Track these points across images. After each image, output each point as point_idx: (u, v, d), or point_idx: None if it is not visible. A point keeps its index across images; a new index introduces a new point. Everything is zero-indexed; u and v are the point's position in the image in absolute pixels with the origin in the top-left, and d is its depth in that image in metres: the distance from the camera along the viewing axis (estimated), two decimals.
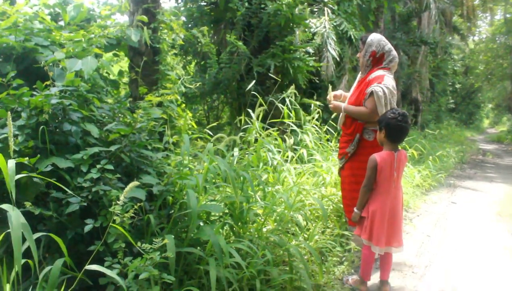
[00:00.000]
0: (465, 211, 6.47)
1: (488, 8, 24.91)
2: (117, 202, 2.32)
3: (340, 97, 4.17)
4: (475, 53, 31.25)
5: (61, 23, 4.87)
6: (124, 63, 6.36)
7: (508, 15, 25.59)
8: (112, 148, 2.84)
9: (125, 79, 6.13)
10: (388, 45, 3.76)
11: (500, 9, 28.13)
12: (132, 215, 2.44)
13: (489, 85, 31.35)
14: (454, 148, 13.65)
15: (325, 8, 8.56)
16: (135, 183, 2.31)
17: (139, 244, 2.41)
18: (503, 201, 7.26)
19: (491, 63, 29.52)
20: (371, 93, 3.53)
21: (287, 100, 5.46)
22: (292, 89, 5.41)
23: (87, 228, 2.48)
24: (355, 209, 3.38)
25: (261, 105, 4.79)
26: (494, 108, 38.04)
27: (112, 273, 2.12)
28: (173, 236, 2.59)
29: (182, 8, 9.02)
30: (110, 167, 2.71)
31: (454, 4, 19.55)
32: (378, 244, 3.24)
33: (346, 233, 4.20)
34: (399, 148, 3.34)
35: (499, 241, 4.94)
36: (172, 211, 3.10)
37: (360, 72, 3.91)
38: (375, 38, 3.75)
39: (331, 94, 4.10)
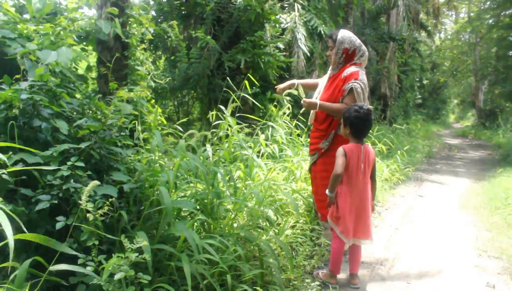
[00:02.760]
0: (431, 203, 6.65)
1: (452, 6, 25.50)
2: (87, 198, 2.29)
3: (294, 86, 4.17)
4: (441, 50, 31.98)
5: (26, 16, 4.74)
6: (91, 58, 6.24)
7: (472, 14, 26.27)
8: (82, 145, 2.80)
9: (93, 74, 6.02)
10: (358, 41, 3.80)
11: (464, 8, 28.88)
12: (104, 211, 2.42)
13: (455, 81, 32.19)
14: (421, 143, 13.97)
15: (295, 4, 8.60)
16: (95, 182, 2.29)
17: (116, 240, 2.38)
18: (467, 193, 7.49)
19: (456, 60, 30.32)
20: (351, 90, 3.57)
21: None
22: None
23: (58, 225, 2.44)
24: (327, 191, 3.37)
25: (233, 101, 4.79)
26: (460, 104, 39.10)
27: (84, 270, 2.10)
28: (145, 234, 2.58)
29: (151, 2, 8.92)
30: (81, 164, 2.67)
31: (420, 2, 19.93)
32: (344, 234, 3.32)
33: (316, 227, 4.25)
34: (367, 142, 3.41)
35: (462, 232, 5.11)
36: (142, 208, 3.08)
37: (331, 69, 3.92)
38: (346, 35, 3.77)
39: (281, 86, 4.16)
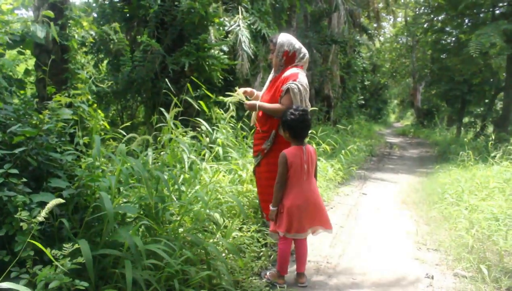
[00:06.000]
0: (374, 201, 6.87)
1: (391, 10, 26.50)
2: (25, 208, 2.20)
3: (253, 95, 4.25)
4: (381, 52, 33.17)
5: None
6: (31, 62, 6.01)
7: (408, 18, 27.43)
8: (17, 151, 2.68)
9: (32, 78, 5.80)
10: (298, 43, 3.90)
11: (401, 13, 30.16)
12: (42, 219, 2.33)
13: (394, 82, 33.45)
14: (364, 142, 14.41)
15: (239, 7, 8.64)
16: (58, 200, 2.20)
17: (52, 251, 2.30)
18: (407, 190, 7.80)
19: (395, 62, 31.53)
20: (287, 90, 3.65)
21: None
22: None
23: None
24: (271, 206, 3.47)
25: (175, 104, 4.75)
26: (400, 104, 40.61)
27: (23, 288, 2.01)
28: (86, 241, 2.51)
29: (93, 5, 8.69)
30: (15, 171, 2.56)
31: (361, 6, 20.57)
32: (298, 232, 3.40)
33: (262, 228, 4.29)
34: (310, 142, 3.50)
35: (403, 226, 5.33)
36: (85, 215, 3.00)
37: (273, 72, 4.01)
38: (285, 38, 3.87)
39: (240, 91, 4.20)
